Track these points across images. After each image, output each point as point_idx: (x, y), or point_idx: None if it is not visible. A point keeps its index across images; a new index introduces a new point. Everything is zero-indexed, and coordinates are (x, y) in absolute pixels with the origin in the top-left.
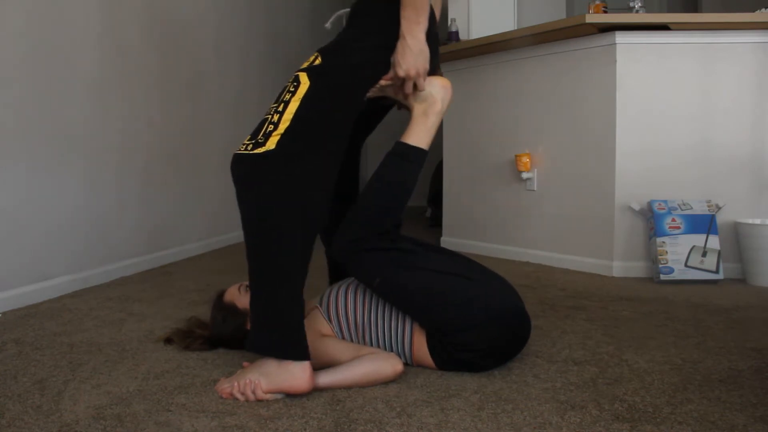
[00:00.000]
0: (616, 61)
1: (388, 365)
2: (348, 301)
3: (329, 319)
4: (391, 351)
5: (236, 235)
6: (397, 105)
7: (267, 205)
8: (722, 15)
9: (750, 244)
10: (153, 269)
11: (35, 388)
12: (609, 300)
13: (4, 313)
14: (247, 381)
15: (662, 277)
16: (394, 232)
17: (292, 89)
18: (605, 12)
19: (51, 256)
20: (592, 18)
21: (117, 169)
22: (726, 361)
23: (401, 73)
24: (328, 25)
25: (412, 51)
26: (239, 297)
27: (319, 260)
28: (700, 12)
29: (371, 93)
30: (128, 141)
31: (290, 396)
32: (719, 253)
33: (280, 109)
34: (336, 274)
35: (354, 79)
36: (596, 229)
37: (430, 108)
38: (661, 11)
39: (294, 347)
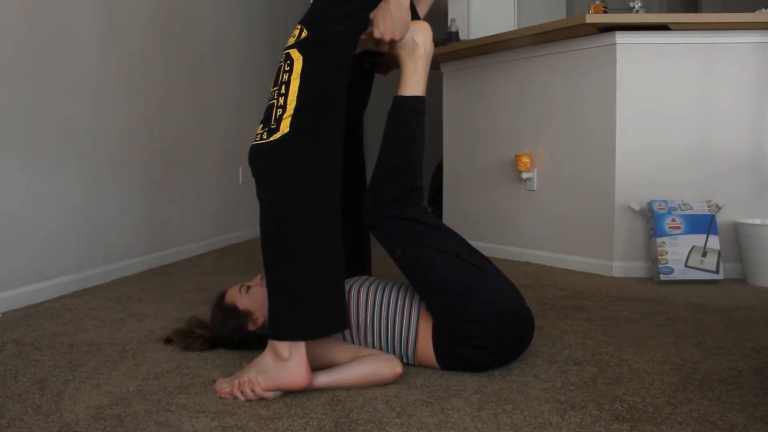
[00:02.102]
0: (616, 61)
1: (387, 367)
2: (350, 301)
3: None
4: (394, 351)
5: (236, 235)
6: (377, 68)
7: (287, 189)
8: (722, 15)
9: (750, 244)
10: (153, 269)
11: (35, 388)
12: (609, 300)
13: (4, 313)
14: (246, 379)
15: (662, 277)
16: (417, 196)
17: (287, 69)
18: (605, 12)
19: (51, 256)
20: (592, 18)
21: (117, 169)
22: (726, 361)
23: (377, 34)
24: None
25: (393, 16)
26: (240, 298)
27: None
28: (700, 12)
29: (362, 47)
30: (128, 141)
31: (290, 395)
32: (719, 253)
33: (283, 91)
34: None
35: (341, 45)
36: (596, 229)
37: (414, 54)
38: (661, 11)
39: (310, 326)
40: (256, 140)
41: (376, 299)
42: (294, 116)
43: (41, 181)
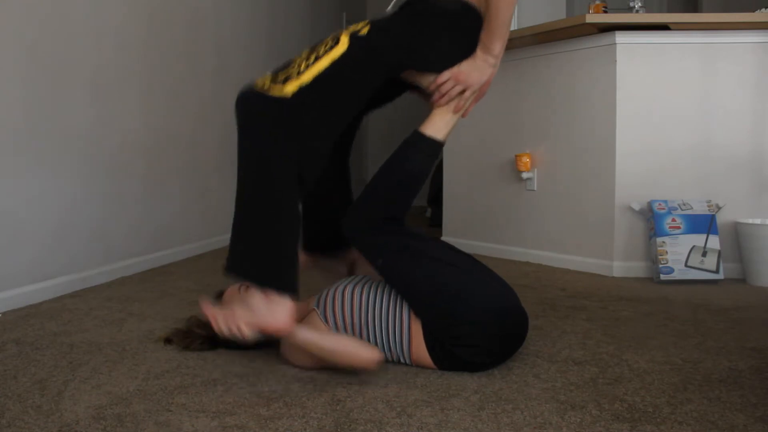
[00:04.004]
0: (616, 61)
1: (367, 349)
2: (345, 301)
3: (326, 320)
4: (391, 351)
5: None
6: (412, 90)
7: (270, 146)
8: (722, 15)
9: (750, 244)
10: (153, 269)
11: (35, 388)
12: (609, 300)
13: (4, 313)
14: (232, 312)
15: (662, 277)
16: (401, 217)
17: (328, 46)
18: (605, 12)
19: (51, 256)
20: (592, 18)
21: (117, 169)
22: (726, 361)
23: (462, 79)
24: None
25: (486, 66)
26: (239, 297)
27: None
28: (700, 12)
29: (408, 76)
30: (128, 141)
31: (290, 395)
32: (719, 253)
33: (311, 60)
34: (313, 243)
35: (389, 63)
36: (596, 229)
37: (453, 103)
38: (661, 11)
39: (277, 278)
40: (257, 84)
41: (369, 299)
42: (304, 87)
43: (41, 180)
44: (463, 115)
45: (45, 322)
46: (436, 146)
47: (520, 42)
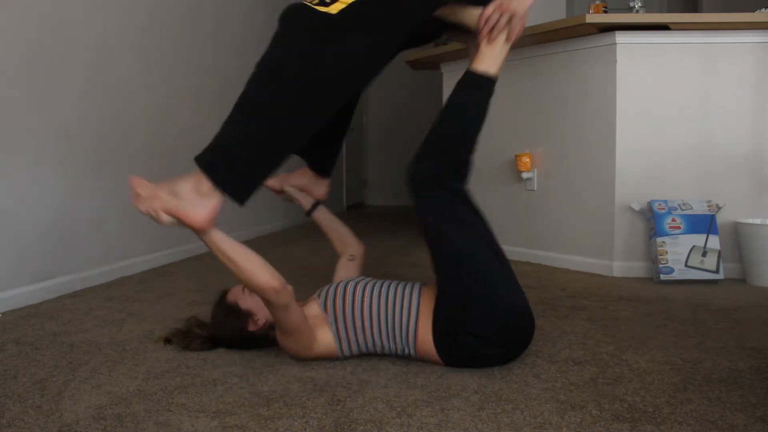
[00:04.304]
0: (616, 61)
1: (269, 274)
2: (347, 295)
3: (325, 310)
4: (395, 345)
5: (236, 235)
6: (450, 31)
7: (302, 56)
8: (722, 15)
9: (750, 244)
10: (153, 269)
11: (35, 388)
12: (609, 300)
13: (4, 313)
14: (157, 194)
15: (662, 277)
16: (465, 170)
17: None
18: (605, 12)
19: (51, 256)
20: (592, 18)
21: (117, 168)
22: (726, 361)
23: (507, 7)
24: None
25: None
26: (242, 297)
27: (319, 260)
28: (700, 12)
29: (451, 15)
30: (128, 141)
31: (290, 395)
32: (719, 253)
33: None
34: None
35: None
36: (596, 229)
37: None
38: (661, 11)
39: (236, 178)
40: (304, 1)
41: (373, 294)
42: (348, 6)
43: (41, 180)
44: (510, 41)
45: (45, 322)
46: (491, 82)
47: (520, 42)
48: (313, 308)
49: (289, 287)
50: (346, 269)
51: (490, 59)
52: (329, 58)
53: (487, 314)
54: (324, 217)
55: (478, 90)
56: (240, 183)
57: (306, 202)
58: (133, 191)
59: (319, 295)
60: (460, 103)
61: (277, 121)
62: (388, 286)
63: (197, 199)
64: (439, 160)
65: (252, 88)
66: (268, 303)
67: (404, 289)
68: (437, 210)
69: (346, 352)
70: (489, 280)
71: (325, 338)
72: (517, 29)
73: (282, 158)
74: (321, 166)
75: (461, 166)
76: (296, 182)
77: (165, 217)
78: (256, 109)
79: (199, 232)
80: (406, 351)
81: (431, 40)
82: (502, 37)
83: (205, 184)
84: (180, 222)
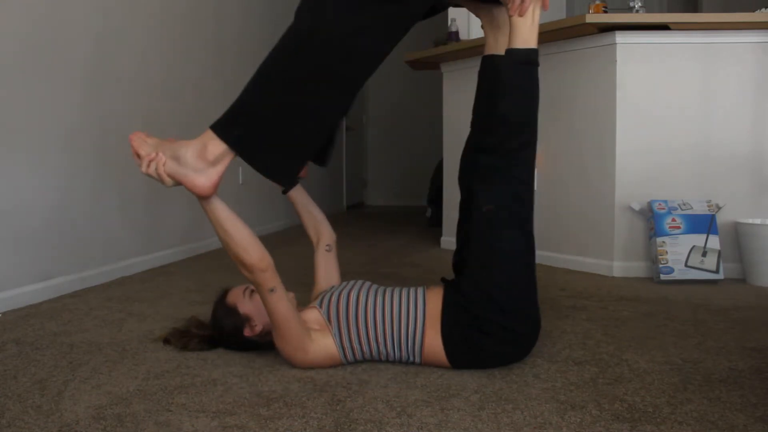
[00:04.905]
0: (616, 61)
1: (259, 253)
2: (350, 303)
3: (328, 320)
4: (401, 350)
5: None
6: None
7: (337, 27)
8: (722, 15)
9: (750, 244)
10: (153, 269)
11: (35, 388)
12: (609, 300)
13: (4, 313)
14: (161, 156)
15: (662, 277)
16: (534, 130)
17: None
18: (605, 12)
19: (51, 256)
20: (592, 18)
21: (118, 169)
22: (726, 361)
23: None
24: None
25: None
26: (242, 300)
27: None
28: (700, 12)
29: None
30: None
31: (290, 395)
32: (719, 253)
33: None
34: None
35: None
36: (596, 229)
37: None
38: (661, 11)
39: (261, 153)
40: None
41: (377, 303)
42: None
43: (41, 180)
44: (544, 8)
45: (45, 322)
46: (534, 54)
47: None
48: (314, 314)
49: (277, 276)
50: (326, 261)
51: (525, 34)
52: (365, 24)
53: (507, 317)
54: (300, 197)
55: (526, 65)
56: (255, 144)
57: None
58: (133, 151)
59: (320, 304)
60: (517, 84)
61: (304, 87)
62: (392, 294)
63: (201, 166)
64: (507, 146)
65: (279, 55)
66: (256, 285)
67: (408, 296)
68: (504, 202)
69: (350, 358)
70: (521, 285)
71: (327, 346)
72: None
73: (305, 130)
74: (318, 154)
75: (527, 147)
76: None
77: (168, 181)
78: (281, 76)
79: (200, 199)
80: (411, 359)
81: (451, 5)
82: (532, 7)
83: (211, 151)
84: (184, 186)
